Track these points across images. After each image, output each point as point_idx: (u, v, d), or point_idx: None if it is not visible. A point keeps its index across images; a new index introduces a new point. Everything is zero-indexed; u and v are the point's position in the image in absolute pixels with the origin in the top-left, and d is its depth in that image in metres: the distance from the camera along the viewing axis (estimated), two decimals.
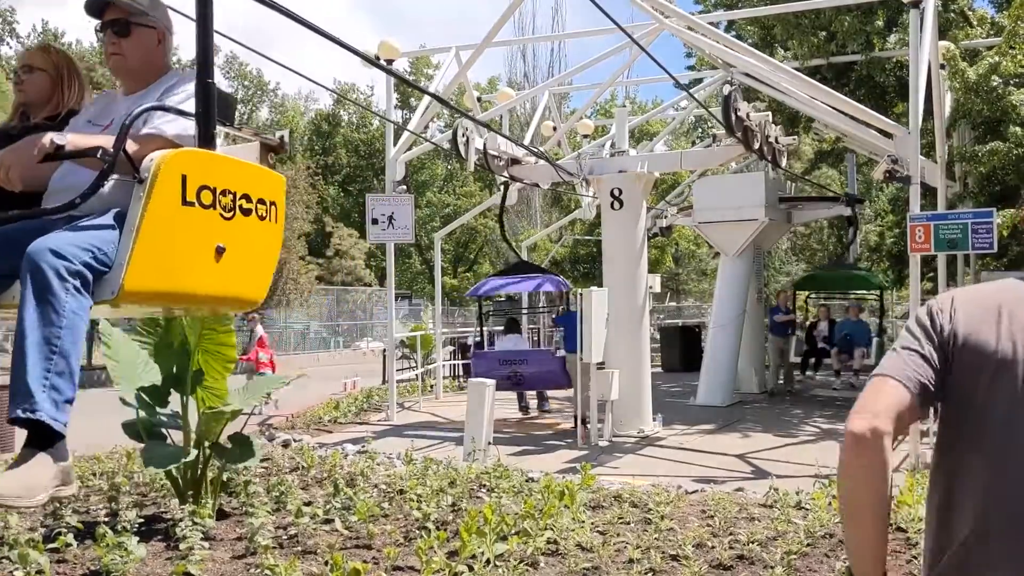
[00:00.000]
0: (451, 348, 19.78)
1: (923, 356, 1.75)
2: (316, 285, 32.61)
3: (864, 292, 19.37)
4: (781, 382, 16.81)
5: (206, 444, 6.45)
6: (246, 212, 2.69)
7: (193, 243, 2.56)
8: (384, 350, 19.02)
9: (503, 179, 14.43)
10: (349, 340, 36.26)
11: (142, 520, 5.89)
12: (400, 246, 17.00)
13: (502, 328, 15.11)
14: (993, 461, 1.69)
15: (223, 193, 2.61)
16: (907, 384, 1.72)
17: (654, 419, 12.25)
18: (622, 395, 11.47)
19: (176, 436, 6.79)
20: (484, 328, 16.54)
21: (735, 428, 12.38)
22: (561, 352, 13.11)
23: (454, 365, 19.15)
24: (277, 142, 3.00)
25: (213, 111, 2.66)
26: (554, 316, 17.61)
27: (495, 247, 47.12)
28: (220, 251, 2.60)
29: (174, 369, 6.56)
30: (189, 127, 2.68)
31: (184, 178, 2.51)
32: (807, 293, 20.13)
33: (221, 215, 2.60)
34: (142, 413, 6.45)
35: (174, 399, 6.71)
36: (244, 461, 6.51)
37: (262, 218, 2.77)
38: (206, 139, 2.63)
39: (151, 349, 6.58)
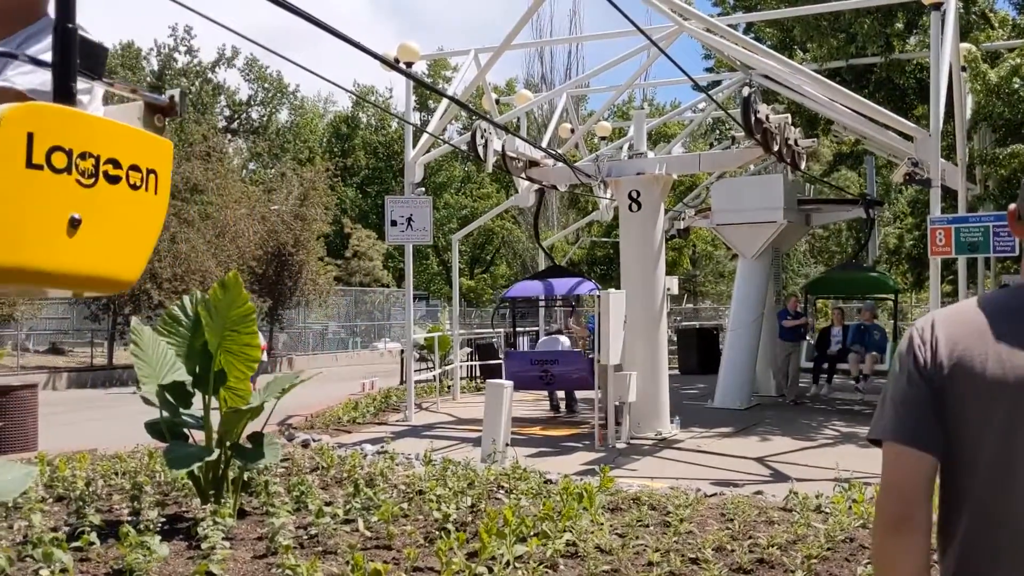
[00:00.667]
0: (468, 349, 19.81)
1: (917, 402, 1.66)
2: (334, 286, 32.73)
3: (880, 296, 19.20)
4: (783, 393, 15.77)
5: (227, 444, 6.51)
6: (112, 179, 2.31)
7: (40, 212, 2.19)
8: (402, 351, 19.09)
9: (537, 187, 14.66)
10: (367, 341, 36.40)
11: (164, 519, 5.95)
12: (418, 247, 17.05)
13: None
14: (993, 485, 1.61)
15: (82, 156, 2.25)
16: (918, 443, 1.64)
17: (672, 421, 12.24)
18: (640, 397, 11.46)
19: (198, 436, 6.86)
20: (516, 329, 17.22)
21: (753, 431, 12.34)
22: (592, 354, 13.16)
23: (471, 366, 19.18)
24: (166, 102, 2.59)
25: (72, 60, 2.30)
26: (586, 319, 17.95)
27: (511, 248, 47.15)
28: (75, 223, 2.24)
29: (197, 369, 6.62)
30: (49, 81, 2.31)
31: (30, 137, 2.15)
32: (828, 299, 20.03)
33: (78, 181, 2.24)
34: (165, 413, 6.52)
35: (197, 400, 6.78)
36: (265, 461, 6.57)
37: (135, 187, 2.39)
38: (63, 93, 2.26)
39: (175, 349, 6.65)
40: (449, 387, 16.79)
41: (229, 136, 55.22)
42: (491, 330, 22.29)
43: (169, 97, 2.62)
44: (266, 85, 58.07)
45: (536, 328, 20.34)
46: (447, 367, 17.01)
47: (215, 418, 6.60)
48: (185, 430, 6.71)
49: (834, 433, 12.15)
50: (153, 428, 6.64)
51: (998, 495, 1.61)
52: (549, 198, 32.99)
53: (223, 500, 6.42)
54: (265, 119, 58.99)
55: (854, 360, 15.30)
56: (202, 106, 55.02)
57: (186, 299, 6.98)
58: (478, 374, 18.84)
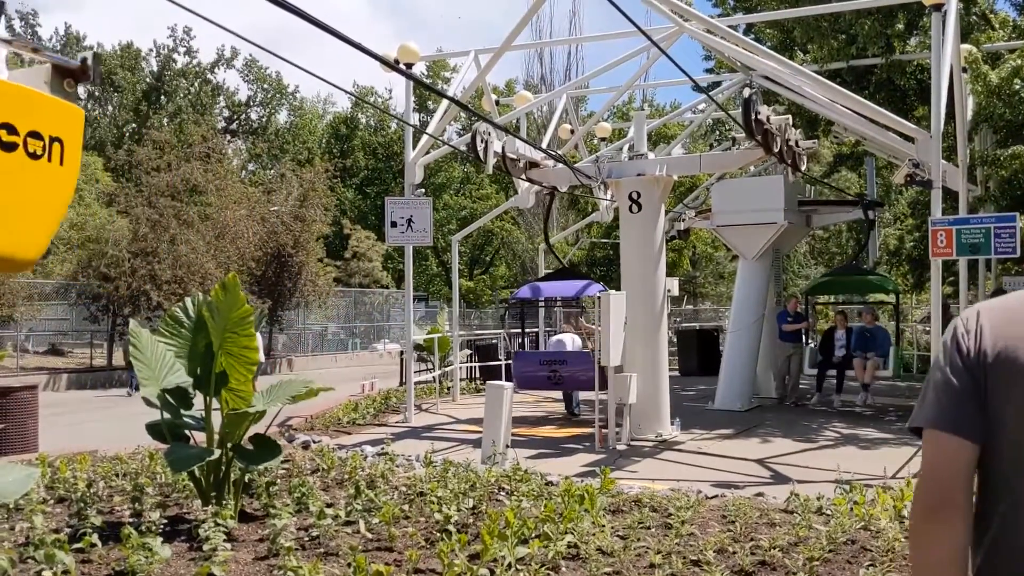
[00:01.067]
0: (468, 351, 19.80)
1: (959, 390, 1.69)
2: (334, 287, 32.73)
3: (878, 300, 19.20)
4: (783, 395, 15.55)
5: (229, 445, 6.50)
6: (8, 147, 2.11)
7: None
8: (401, 352, 19.07)
9: (547, 191, 14.76)
10: (366, 342, 36.42)
11: (165, 521, 5.94)
12: (417, 248, 17.02)
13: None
14: None
15: None
16: (959, 431, 1.67)
17: (672, 423, 12.23)
18: (640, 399, 11.45)
19: (199, 437, 6.85)
20: (524, 330, 17.48)
21: (754, 433, 12.33)
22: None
23: (471, 367, 19.17)
24: (77, 66, 2.39)
25: None
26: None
27: (511, 249, 47.15)
28: None
29: (198, 371, 6.62)
30: None
31: None
32: (827, 298, 19.91)
33: None
34: (166, 414, 6.51)
35: (197, 401, 6.77)
36: (266, 462, 6.56)
37: (34, 156, 2.18)
38: None
39: (176, 350, 6.64)
40: (449, 388, 16.78)
41: (228, 137, 55.20)
42: (491, 331, 22.33)
43: (81, 60, 2.38)
44: (265, 86, 58.11)
45: (536, 330, 20.35)
46: (447, 368, 17.00)
47: (216, 420, 6.59)
48: (186, 431, 6.70)
49: (835, 435, 12.14)
50: (154, 429, 6.64)
51: None
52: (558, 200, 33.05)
53: (224, 502, 6.41)
54: (264, 120, 59.02)
55: (859, 366, 14.83)
56: (201, 107, 55.03)
57: (188, 300, 6.98)
58: (478, 375, 18.83)
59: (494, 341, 20.09)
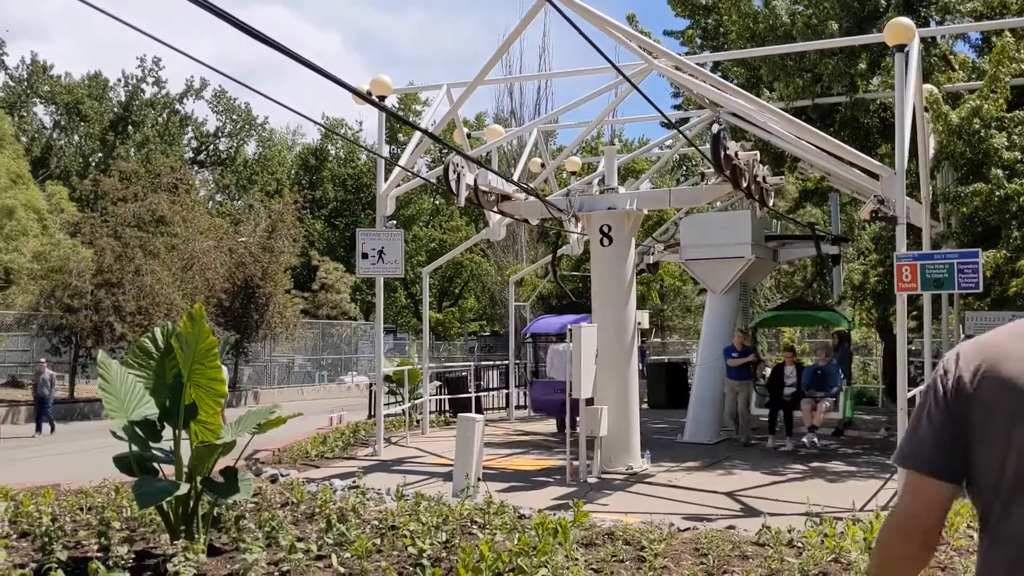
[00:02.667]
0: (437, 383, 19.71)
1: (940, 430, 1.75)
2: (301, 319, 32.50)
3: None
4: (734, 433, 14.77)
5: (198, 479, 6.41)
6: None
7: None
8: (370, 384, 18.93)
9: (554, 229, 15.00)
10: (334, 374, 36.11)
11: (133, 556, 5.83)
12: (386, 280, 16.93)
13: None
14: (1015, 508, 1.67)
15: None
16: (937, 471, 1.74)
17: (643, 456, 12.24)
18: (611, 432, 11.46)
19: (167, 470, 6.75)
20: (527, 361, 18.97)
21: (722, 465, 12.38)
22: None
23: (440, 400, 19.09)
24: None
25: None
26: None
27: (480, 282, 47.15)
28: None
29: (167, 403, 6.53)
30: None
31: None
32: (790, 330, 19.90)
33: None
34: (135, 447, 6.41)
35: (166, 433, 6.68)
36: (236, 496, 6.47)
37: None
38: None
39: (144, 381, 6.56)
40: (418, 421, 16.68)
41: (196, 168, 54.92)
42: (461, 363, 22.27)
43: None
44: (234, 117, 57.98)
45: (505, 362, 20.34)
46: (416, 401, 16.90)
47: (185, 452, 6.50)
48: (155, 464, 6.60)
49: (803, 468, 12.22)
50: (122, 462, 6.53)
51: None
52: (515, 229, 33.16)
53: (194, 536, 6.31)
54: (233, 151, 58.82)
55: (807, 408, 13.76)
56: (169, 137, 54.75)
57: (157, 331, 6.90)
58: (447, 408, 18.75)
59: (463, 373, 20.03)
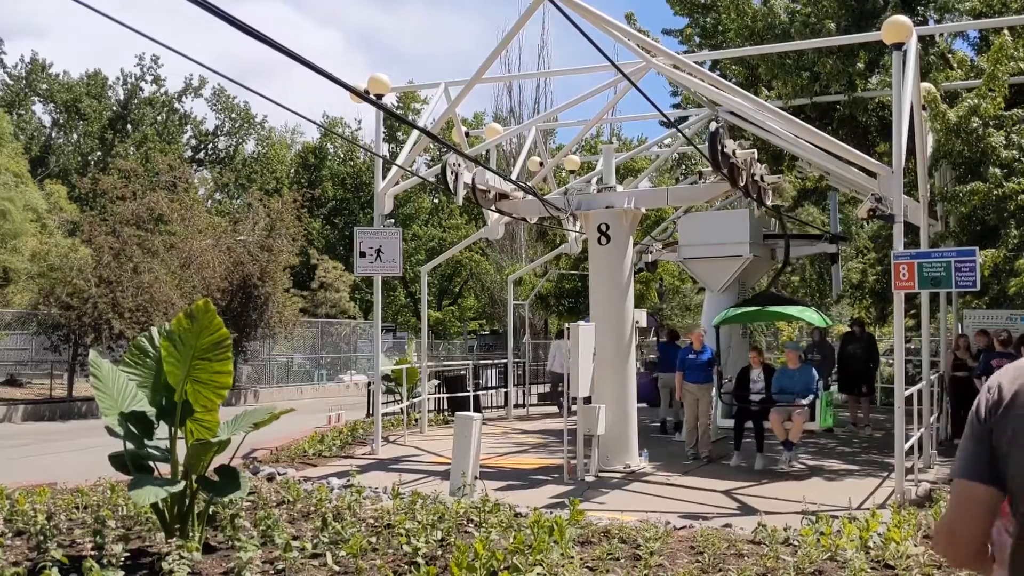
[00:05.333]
0: (436, 382, 19.72)
1: (980, 444, 1.96)
2: (300, 317, 32.47)
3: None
4: (695, 451, 12.83)
5: (193, 477, 6.41)
6: None
7: None
8: (369, 383, 18.92)
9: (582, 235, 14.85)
10: (333, 373, 36.08)
11: (128, 554, 5.83)
12: (385, 279, 16.91)
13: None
14: None
15: None
16: (981, 479, 1.94)
17: (640, 454, 12.24)
18: (608, 430, 11.46)
19: (162, 468, 6.74)
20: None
21: (720, 464, 12.37)
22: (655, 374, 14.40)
23: (439, 399, 19.09)
24: None
25: None
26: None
27: (479, 281, 47.14)
28: None
29: (163, 401, 6.52)
30: None
31: None
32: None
33: None
34: (129, 445, 6.41)
35: (162, 431, 6.67)
36: (231, 494, 6.46)
37: None
38: None
39: (140, 380, 6.55)
40: (416, 420, 16.67)
41: (195, 166, 54.88)
42: (460, 362, 22.26)
43: None
44: (233, 115, 57.98)
45: (504, 360, 20.37)
46: (415, 400, 16.90)
47: (181, 450, 6.50)
48: (150, 463, 6.60)
49: (800, 466, 12.20)
50: (117, 460, 6.52)
51: None
52: (514, 229, 33.10)
53: (189, 534, 6.30)
54: (232, 149, 58.81)
55: (776, 420, 11.65)
56: (168, 136, 54.74)
57: (153, 330, 6.90)
58: (446, 407, 18.76)
59: (462, 372, 20.03)
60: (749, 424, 12.17)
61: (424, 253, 49.29)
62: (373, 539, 6.52)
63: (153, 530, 6.78)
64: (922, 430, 11.37)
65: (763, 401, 12.05)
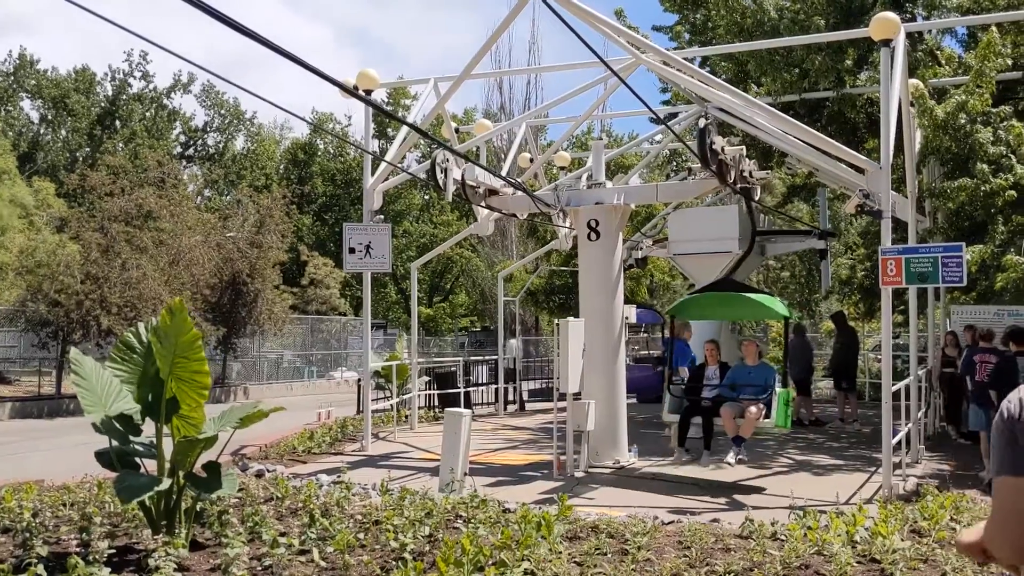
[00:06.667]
0: (426, 378, 19.71)
1: (1007, 443, 2.04)
2: (290, 314, 32.40)
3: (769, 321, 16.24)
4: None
5: (180, 473, 6.38)
6: None
7: None
8: (359, 380, 18.89)
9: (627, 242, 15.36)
10: (323, 370, 36.03)
11: (114, 551, 5.80)
12: (376, 276, 16.87)
13: None
14: None
15: None
16: (1013, 472, 2.01)
17: (630, 450, 12.25)
18: (598, 426, 11.47)
19: (149, 465, 6.71)
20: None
21: (709, 460, 12.36)
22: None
23: (429, 395, 19.07)
24: None
25: None
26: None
27: (470, 277, 47.12)
28: None
29: (149, 397, 6.50)
30: None
31: None
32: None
33: None
34: (115, 442, 6.38)
35: (148, 428, 6.64)
36: (218, 491, 6.44)
37: None
38: None
39: (126, 376, 6.52)
40: (407, 416, 16.66)
41: (184, 162, 54.70)
42: (450, 359, 22.25)
43: None
44: (222, 111, 57.75)
45: (495, 357, 20.36)
46: (405, 396, 16.88)
47: (167, 447, 6.47)
48: (137, 459, 6.57)
49: (788, 461, 12.25)
50: (103, 457, 6.49)
51: None
52: (504, 225, 33.05)
53: (175, 531, 6.28)
54: (221, 146, 58.59)
55: (727, 415, 10.57)
56: (157, 132, 54.51)
57: (140, 326, 6.87)
58: (436, 403, 18.74)
59: (453, 368, 20.02)
60: (697, 420, 11.00)
61: (415, 249, 49.22)
62: (361, 535, 6.51)
63: (140, 527, 6.76)
64: (909, 425, 11.42)
65: (716, 398, 10.96)
